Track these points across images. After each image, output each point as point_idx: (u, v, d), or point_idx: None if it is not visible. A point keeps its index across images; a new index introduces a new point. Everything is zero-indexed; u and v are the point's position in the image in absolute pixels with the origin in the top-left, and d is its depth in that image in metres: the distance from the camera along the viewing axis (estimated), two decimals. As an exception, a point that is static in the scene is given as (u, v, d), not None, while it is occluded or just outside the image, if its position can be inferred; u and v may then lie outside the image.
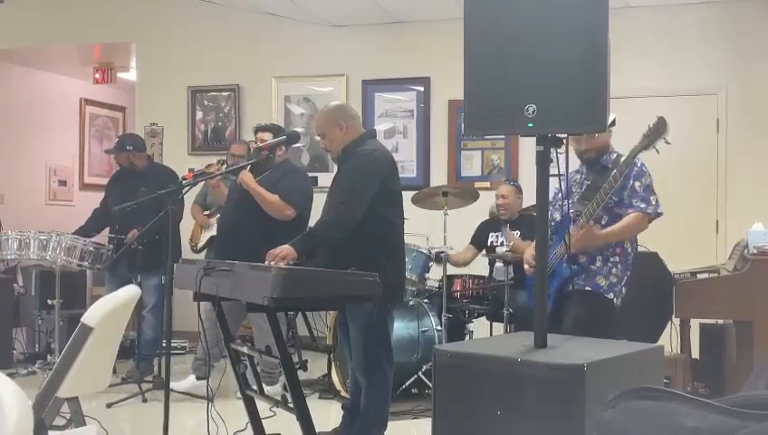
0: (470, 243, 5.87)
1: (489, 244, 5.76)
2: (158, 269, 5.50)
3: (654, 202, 3.70)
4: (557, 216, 3.86)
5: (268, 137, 5.03)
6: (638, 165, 3.73)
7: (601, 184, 3.67)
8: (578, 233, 3.57)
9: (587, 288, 3.71)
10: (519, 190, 5.73)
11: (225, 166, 5.74)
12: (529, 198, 5.67)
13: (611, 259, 3.74)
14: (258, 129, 5.28)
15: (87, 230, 5.78)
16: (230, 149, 6.37)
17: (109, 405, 4.78)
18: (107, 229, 5.98)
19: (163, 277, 5.26)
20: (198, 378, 5.09)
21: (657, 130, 3.60)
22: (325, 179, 6.85)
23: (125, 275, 5.57)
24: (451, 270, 5.40)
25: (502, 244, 5.68)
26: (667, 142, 3.65)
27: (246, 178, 4.87)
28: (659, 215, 3.72)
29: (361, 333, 3.80)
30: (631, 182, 3.68)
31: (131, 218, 5.43)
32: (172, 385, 4.36)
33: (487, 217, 5.89)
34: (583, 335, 3.10)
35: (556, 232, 3.82)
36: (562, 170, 3.76)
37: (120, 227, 5.69)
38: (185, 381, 5.19)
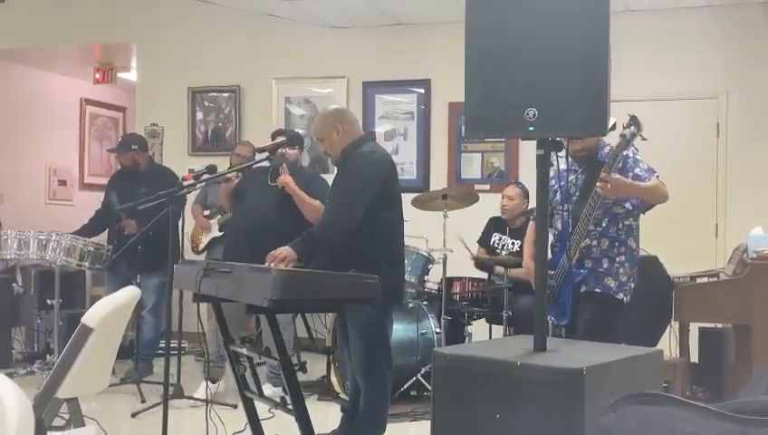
0: (478, 244, 5.90)
1: (491, 244, 5.78)
2: (158, 270, 5.51)
3: (659, 178, 3.72)
4: (558, 224, 3.85)
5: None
6: (631, 156, 3.75)
7: (596, 182, 3.67)
8: (610, 181, 3.52)
9: (597, 290, 3.72)
10: (526, 194, 5.74)
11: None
12: (530, 201, 5.69)
13: (617, 259, 3.74)
14: (277, 133, 5.37)
15: (88, 231, 5.78)
16: (235, 150, 6.40)
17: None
18: (107, 229, 6.00)
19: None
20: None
21: (635, 124, 3.61)
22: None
23: (125, 275, 5.57)
24: (450, 272, 5.40)
25: (503, 247, 5.69)
26: (644, 138, 3.67)
27: (289, 180, 4.86)
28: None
29: (360, 335, 3.80)
30: (630, 174, 3.69)
31: (131, 218, 5.45)
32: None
33: (493, 216, 5.90)
34: (595, 338, 3.11)
35: (560, 239, 3.82)
36: (561, 174, 3.79)
37: (118, 226, 5.70)
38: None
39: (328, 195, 3.98)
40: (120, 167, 6.14)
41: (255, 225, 4.93)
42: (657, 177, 3.74)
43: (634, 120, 3.61)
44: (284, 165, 4.94)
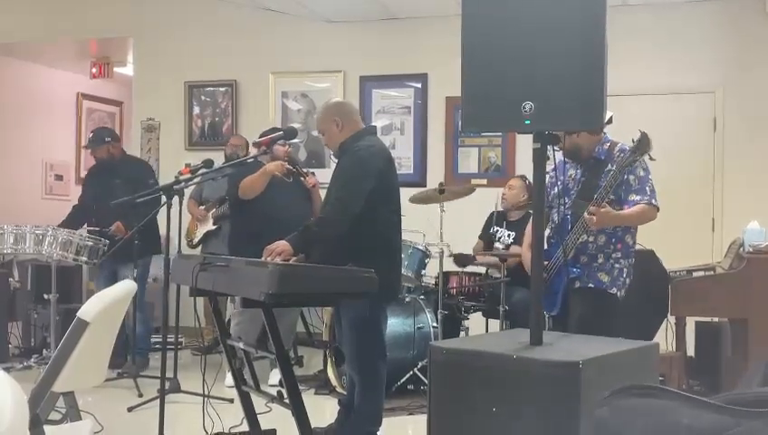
0: (479, 237, 5.90)
1: (491, 236, 5.79)
2: (139, 260, 5.46)
3: (649, 192, 3.69)
4: (556, 217, 3.85)
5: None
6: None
7: (596, 182, 3.67)
8: (596, 215, 3.52)
9: (590, 285, 3.72)
10: (528, 188, 5.74)
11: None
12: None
13: (613, 255, 3.74)
14: (272, 131, 5.46)
15: (66, 226, 5.76)
16: (230, 141, 6.47)
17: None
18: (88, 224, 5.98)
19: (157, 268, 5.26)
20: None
21: (642, 146, 3.58)
22: (321, 176, 6.84)
23: (112, 266, 5.60)
24: (447, 267, 5.40)
25: (500, 239, 5.70)
26: (652, 158, 3.67)
27: (314, 181, 5.39)
28: (658, 209, 3.73)
29: (354, 330, 3.80)
30: (626, 177, 3.69)
31: (111, 213, 5.41)
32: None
33: (493, 211, 5.91)
34: (589, 333, 3.11)
35: (556, 233, 3.82)
36: (559, 169, 3.79)
37: (97, 220, 5.69)
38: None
39: (327, 189, 3.97)
40: (94, 163, 6.15)
41: (293, 220, 4.97)
42: (652, 189, 3.70)
43: (643, 138, 3.57)
44: (298, 166, 5.39)
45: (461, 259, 5.73)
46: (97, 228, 5.64)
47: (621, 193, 3.70)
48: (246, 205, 5.24)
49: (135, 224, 5.15)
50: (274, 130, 5.50)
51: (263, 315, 3.29)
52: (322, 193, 4.20)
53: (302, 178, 5.31)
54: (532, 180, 2.79)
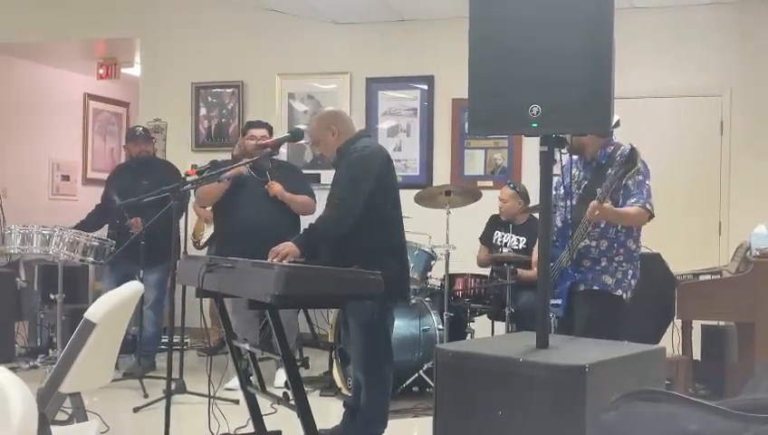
0: (480, 242, 5.89)
1: (494, 241, 5.78)
2: (159, 265, 5.53)
3: (645, 196, 3.70)
4: (558, 222, 3.85)
5: (263, 133, 5.19)
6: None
7: (598, 185, 3.67)
8: (599, 209, 3.54)
9: (594, 287, 3.73)
10: (520, 195, 5.73)
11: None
12: (533, 198, 5.68)
13: (616, 259, 3.75)
14: (253, 125, 5.41)
15: (87, 226, 5.76)
16: (239, 141, 6.51)
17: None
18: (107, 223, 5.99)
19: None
20: None
21: (630, 160, 3.57)
22: (327, 177, 6.85)
23: (125, 270, 5.58)
24: (453, 269, 5.40)
25: (506, 244, 5.68)
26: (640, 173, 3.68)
27: (277, 189, 5.16)
28: (652, 215, 3.73)
29: (362, 331, 3.80)
30: (623, 182, 3.69)
31: (134, 213, 5.44)
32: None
33: (493, 214, 5.90)
34: (595, 336, 3.10)
35: (560, 236, 3.82)
36: (565, 172, 3.79)
37: (121, 221, 5.70)
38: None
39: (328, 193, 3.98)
40: (123, 160, 6.17)
41: (257, 224, 5.04)
42: (648, 193, 3.70)
43: (632, 153, 3.57)
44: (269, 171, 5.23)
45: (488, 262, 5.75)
46: (126, 225, 5.62)
47: (620, 198, 3.71)
48: (217, 209, 5.40)
49: (154, 225, 5.15)
50: (253, 124, 5.49)
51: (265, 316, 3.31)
52: (323, 194, 4.20)
53: (265, 186, 5.21)
54: (537, 182, 2.78)
